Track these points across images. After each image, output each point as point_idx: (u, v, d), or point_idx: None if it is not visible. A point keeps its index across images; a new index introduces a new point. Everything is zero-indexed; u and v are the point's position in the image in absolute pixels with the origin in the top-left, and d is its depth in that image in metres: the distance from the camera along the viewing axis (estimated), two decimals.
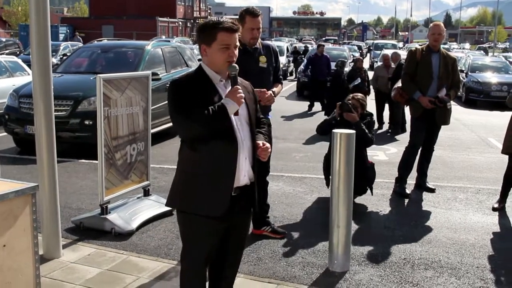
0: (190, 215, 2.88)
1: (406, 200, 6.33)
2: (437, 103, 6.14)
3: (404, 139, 9.41)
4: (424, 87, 6.24)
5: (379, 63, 13.20)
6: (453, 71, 6.34)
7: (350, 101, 5.79)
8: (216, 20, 2.83)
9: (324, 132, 5.78)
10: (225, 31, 2.78)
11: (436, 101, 6.13)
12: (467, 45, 65.36)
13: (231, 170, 2.82)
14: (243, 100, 2.81)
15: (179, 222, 3.00)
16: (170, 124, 9.44)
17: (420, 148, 6.58)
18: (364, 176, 5.78)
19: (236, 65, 2.84)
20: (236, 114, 2.81)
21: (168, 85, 2.86)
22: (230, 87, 2.86)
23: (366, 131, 5.69)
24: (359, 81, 11.77)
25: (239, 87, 2.82)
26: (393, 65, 11.61)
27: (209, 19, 2.87)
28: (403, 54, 15.06)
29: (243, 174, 2.87)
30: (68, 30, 43.70)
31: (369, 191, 5.99)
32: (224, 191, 2.83)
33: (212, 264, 3.07)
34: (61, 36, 40.52)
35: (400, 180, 6.56)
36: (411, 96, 6.31)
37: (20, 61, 13.19)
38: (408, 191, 6.49)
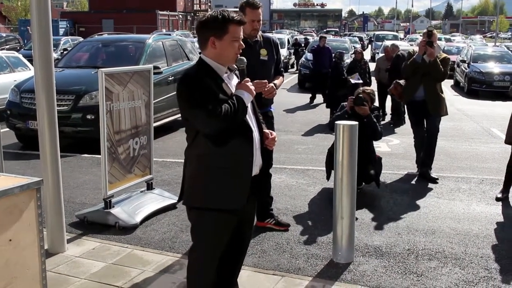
0: (207, 211, 2.84)
1: (410, 191, 6.34)
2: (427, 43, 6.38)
3: (406, 130, 9.39)
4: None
5: (381, 55, 13.10)
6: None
7: (361, 95, 5.82)
8: (226, 13, 2.79)
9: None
10: (237, 24, 2.78)
11: (426, 39, 6.41)
12: (477, 38, 50.52)
13: (250, 161, 2.84)
14: (254, 91, 2.84)
15: (193, 219, 2.95)
16: (172, 117, 9.58)
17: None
18: (373, 165, 5.84)
19: (244, 58, 2.84)
20: None
21: (179, 81, 2.83)
22: (233, 79, 2.86)
23: (377, 124, 5.78)
24: (359, 79, 11.59)
25: (248, 79, 2.84)
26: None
27: (216, 11, 2.83)
28: (403, 46, 15.04)
29: (256, 165, 2.90)
30: (68, 25, 43.64)
31: (374, 182, 5.99)
32: (245, 183, 2.84)
33: (220, 257, 3.05)
34: (61, 31, 40.45)
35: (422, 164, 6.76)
36: (415, 61, 6.47)
37: (21, 56, 13.17)
38: (411, 182, 6.50)
